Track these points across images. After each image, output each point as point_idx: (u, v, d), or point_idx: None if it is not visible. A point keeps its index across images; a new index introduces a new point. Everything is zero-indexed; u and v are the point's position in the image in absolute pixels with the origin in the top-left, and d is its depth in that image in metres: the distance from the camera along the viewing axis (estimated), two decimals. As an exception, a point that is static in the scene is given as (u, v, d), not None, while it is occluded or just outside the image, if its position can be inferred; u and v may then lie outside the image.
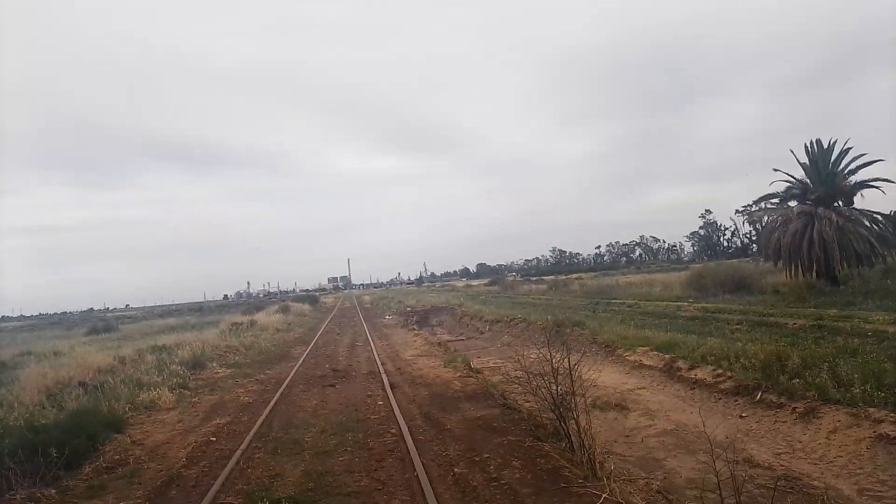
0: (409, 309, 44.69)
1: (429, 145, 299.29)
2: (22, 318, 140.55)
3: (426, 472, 6.98)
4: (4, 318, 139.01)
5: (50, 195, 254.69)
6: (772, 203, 27.98)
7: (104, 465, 8.54)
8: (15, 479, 7.44)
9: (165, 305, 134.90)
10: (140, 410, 12.08)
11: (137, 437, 10.11)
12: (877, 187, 24.29)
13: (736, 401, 10.10)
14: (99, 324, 50.75)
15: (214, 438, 9.57)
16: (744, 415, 9.49)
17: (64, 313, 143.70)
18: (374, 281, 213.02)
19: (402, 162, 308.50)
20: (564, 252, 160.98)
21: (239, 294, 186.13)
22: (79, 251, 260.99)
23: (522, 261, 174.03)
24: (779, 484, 6.75)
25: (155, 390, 13.42)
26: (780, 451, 7.99)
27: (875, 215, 24.59)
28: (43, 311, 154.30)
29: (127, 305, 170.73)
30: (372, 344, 22.62)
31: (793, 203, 26.54)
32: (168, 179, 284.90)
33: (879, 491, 6.42)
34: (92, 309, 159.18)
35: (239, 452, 8.44)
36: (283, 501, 6.34)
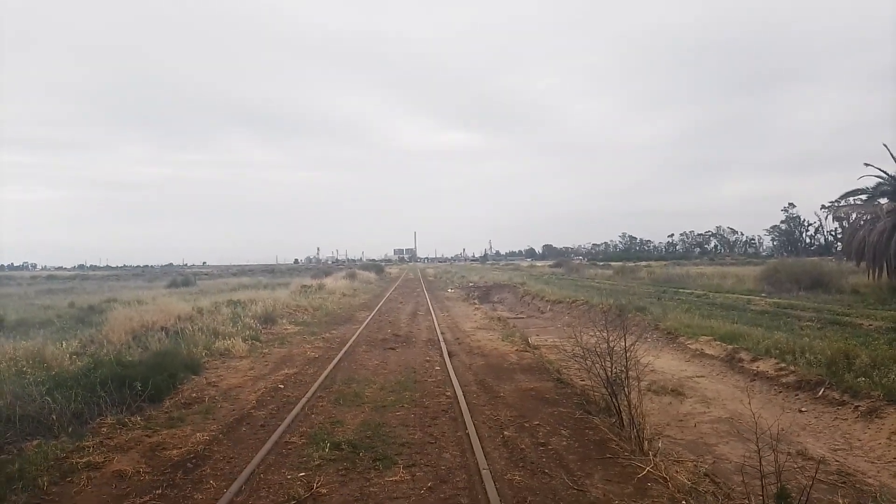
0: (471, 284, 45.17)
1: (500, 121, 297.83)
2: (108, 268, 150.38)
3: (477, 432, 7.30)
4: (93, 268, 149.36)
5: (132, 152, 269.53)
6: (860, 199, 26.56)
7: (182, 400, 9.31)
8: (105, 405, 8.23)
9: (240, 265, 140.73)
10: (215, 356, 13.00)
11: (212, 379, 10.92)
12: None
13: (797, 395, 9.91)
14: (178, 277, 53.49)
15: (282, 386, 10.24)
16: (803, 409, 9.32)
17: (146, 266, 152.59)
18: (438, 255, 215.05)
19: (472, 137, 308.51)
20: (635, 238, 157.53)
21: (309, 259, 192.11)
22: (159, 208, 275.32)
23: (590, 245, 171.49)
24: (831, 478, 6.72)
25: (229, 339, 14.38)
26: (836, 447, 7.86)
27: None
28: (127, 263, 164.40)
29: (204, 262, 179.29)
30: (433, 314, 23.13)
31: (883, 200, 25.08)
32: (243, 144, 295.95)
33: (938, 494, 6.28)
34: (171, 264, 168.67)
35: (304, 400, 9.03)
36: (343, 444, 6.82)
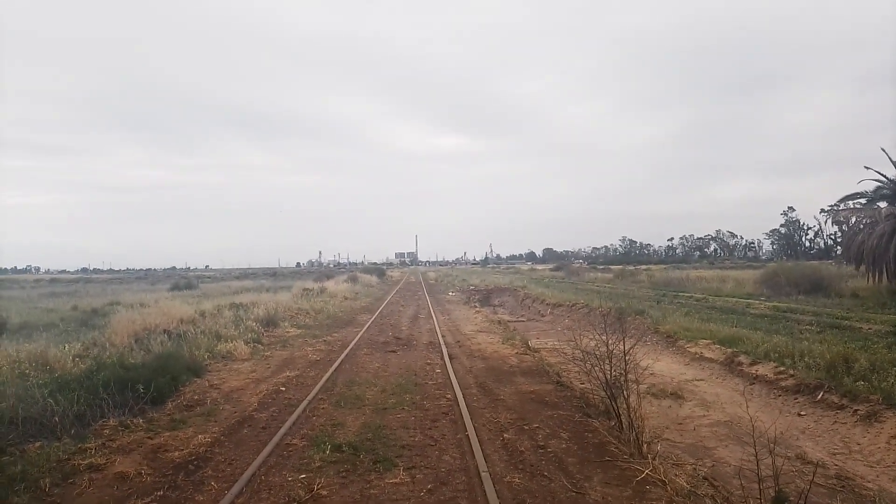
0: (472, 287, 45.22)
1: (497, 124, 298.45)
2: (111, 271, 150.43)
3: (477, 435, 7.35)
4: (96, 271, 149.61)
5: (131, 156, 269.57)
6: (858, 203, 26.61)
7: (185, 403, 9.36)
8: (107, 408, 8.27)
9: (242, 268, 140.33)
10: (217, 359, 13.05)
11: (214, 381, 10.96)
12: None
13: (796, 399, 9.94)
14: (181, 281, 53.64)
15: (284, 388, 10.29)
16: (802, 413, 9.35)
17: (149, 269, 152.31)
18: (439, 258, 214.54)
19: (470, 140, 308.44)
20: (635, 242, 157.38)
21: (311, 262, 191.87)
22: (161, 211, 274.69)
23: (590, 248, 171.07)
24: (829, 482, 6.75)
25: (232, 342, 14.45)
26: (835, 451, 7.90)
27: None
28: (130, 267, 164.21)
29: (207, 266, 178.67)
30: (434, 317, 23.18)
31: (882, 204, 25.12)
32: (241, 147, 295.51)
33: (935, 497, 6.31)
34: (174, 267, 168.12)
35: (305, 402, 9.08)
36: (343, 447, 6.87)
